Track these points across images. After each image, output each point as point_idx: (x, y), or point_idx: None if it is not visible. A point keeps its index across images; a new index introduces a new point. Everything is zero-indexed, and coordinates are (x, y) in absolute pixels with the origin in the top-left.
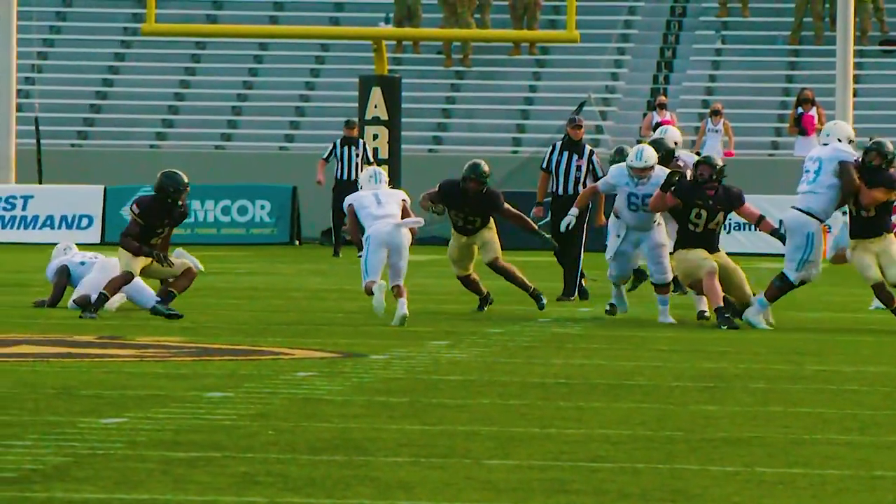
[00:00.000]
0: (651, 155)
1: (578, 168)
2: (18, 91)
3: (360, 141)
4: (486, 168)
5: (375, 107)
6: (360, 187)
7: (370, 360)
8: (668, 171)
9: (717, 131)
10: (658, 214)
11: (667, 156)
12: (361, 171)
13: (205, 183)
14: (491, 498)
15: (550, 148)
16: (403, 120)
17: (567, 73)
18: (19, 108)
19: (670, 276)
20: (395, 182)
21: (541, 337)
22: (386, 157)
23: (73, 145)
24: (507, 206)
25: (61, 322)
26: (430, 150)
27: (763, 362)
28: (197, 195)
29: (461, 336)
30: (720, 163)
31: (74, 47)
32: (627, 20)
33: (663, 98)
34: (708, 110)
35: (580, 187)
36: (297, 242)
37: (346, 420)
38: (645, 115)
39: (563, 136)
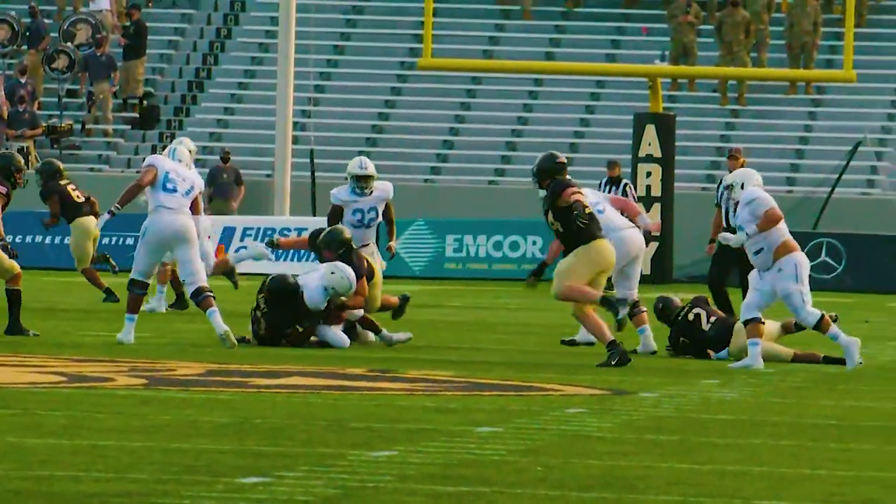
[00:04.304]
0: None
1: None
2: (294, 124)
3: (622, 181)
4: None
5: (649, 144)
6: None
7: (640, 398)
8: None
9: None
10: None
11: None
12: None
13: (477, 217)
14: None
15: (718, 182)
16: (678, 158)
17: (843, 114)
18: (295, 140)
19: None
20: (667, 219)
21: (812, 377)
22: (659, 194)
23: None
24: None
25: (333, 355)
26: (703, 189)
27: None
28: (469, 230)
29: (732, 375)
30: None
31: (351, 81)
32: None
33: None
34: None
35: None
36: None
37: (616, 457)
38: None
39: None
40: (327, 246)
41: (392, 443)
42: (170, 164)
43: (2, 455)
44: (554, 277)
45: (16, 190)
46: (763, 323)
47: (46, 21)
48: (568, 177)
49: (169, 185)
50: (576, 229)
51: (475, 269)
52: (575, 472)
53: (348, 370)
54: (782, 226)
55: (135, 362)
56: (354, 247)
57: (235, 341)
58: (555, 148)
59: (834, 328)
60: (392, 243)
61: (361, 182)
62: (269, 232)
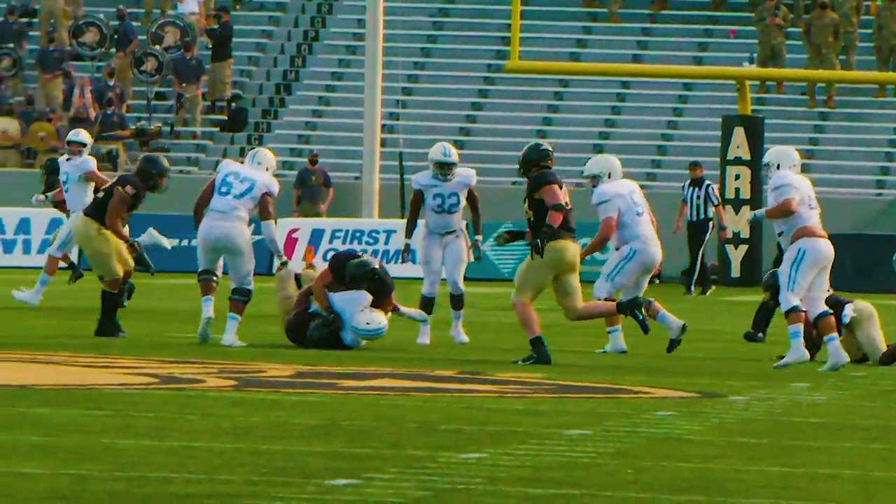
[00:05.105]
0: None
1: None
2: (383, 126)
3: (705, 182)
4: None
5: (738, 147)
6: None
7: (730, 401)
8: None
9: None
10: None
11: None
12: (703, 213)
13: None
14: None
15: None
16: None
17: None
18: (383, 143)
19: None
20: (756, 221)
21: None
22: (747, 196)
23: None
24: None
25: (421, 356)
26: None
27: None
28: None
29: (822, 378)
30: None
31: (438, 83)
32: None
33: None
34: None
35: None
36: (657, 281)
37: (706, 460)
38: None
39: None
40: (355, 280)
41: (482, 445)
42: (234, 166)
43: (94, 456)
44: (515, 282)
45: (155, 193)
46: (828, 316)
47: (134, 24)
48: (550, 165)
49: (223, 189)
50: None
51: None
52: (665, 474)
53: (437, 372)
54: (806, 213)
55: (225, 364)
56: (379, 273)
57: (207, 337)
58: (642, 151)
59: (797, 326)
60: (478, 238)
61: (444, 168)
62: (357, 234)
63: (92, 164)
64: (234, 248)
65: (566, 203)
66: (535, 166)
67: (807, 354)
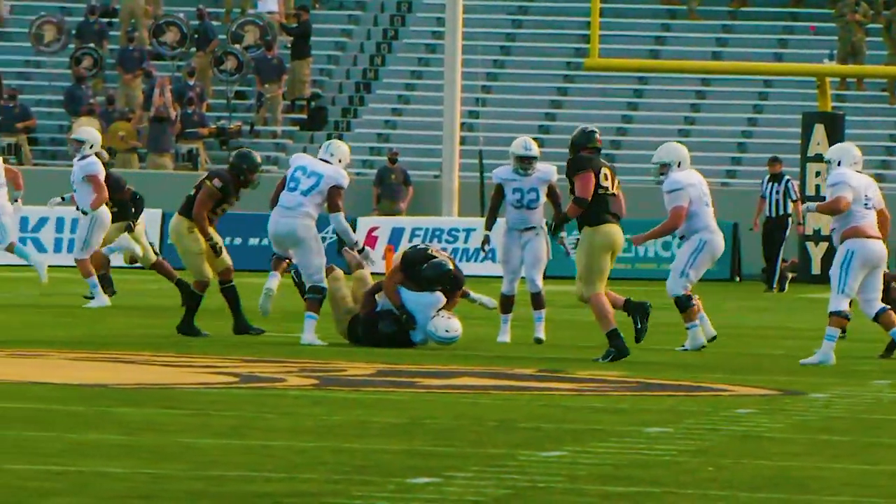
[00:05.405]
0: None
1: None
2: (462, 125)
3: (784, 177)
4: None
5: (818, 144)
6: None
7: (811, 399)
8: None
9: None
10: None
11: None
12: (783, 208)
13: (649, 218)
14: None
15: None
16: None
17: None
18: (463, 141)
19: None
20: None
21: None
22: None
23: None
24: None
25: (501, 355)
26: None
27: None
28: (638, 230)
29: None
30: None
31: (518, 81)
32: None
33: None
34: None
35: None
36: (737, 279)
37: (787, 458)
38: None
39: None
40: (432, 283)
41: (561, 443)
42: (304, 160)
43: (174, 455)
44: (580, 281)
45: (247, 188)
46: (886, 312)
47: (214, 23)
48: (598, 147)
49: (291, 185)
50: (589, 207)
51: (644, 270)
52: (745, 472)
53: (516, 370)
54: (860, 212)
55: (305, 363)
56: (454, 273)
57: (266, 310)
58: (723, 148)
59: (835, 330)
60: (563, 235)
61: (524, 163)
62: (437, 232)
63: (95, 167)
64: (298, 243)
65: (607, 188)
66: (584, 149)
67: (833, 360)
